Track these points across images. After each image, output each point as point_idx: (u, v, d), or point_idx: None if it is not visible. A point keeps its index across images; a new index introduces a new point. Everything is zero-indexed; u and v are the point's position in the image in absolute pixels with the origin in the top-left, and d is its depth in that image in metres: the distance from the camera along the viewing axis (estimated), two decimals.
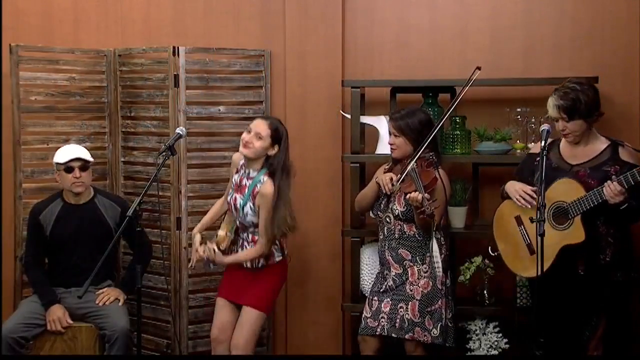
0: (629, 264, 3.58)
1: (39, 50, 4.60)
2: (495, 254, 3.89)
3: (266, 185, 3.83)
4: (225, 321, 3.99)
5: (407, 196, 3.68)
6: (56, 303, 4.07)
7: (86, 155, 4.16)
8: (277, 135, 3.85)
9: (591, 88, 3.54)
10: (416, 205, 3.63)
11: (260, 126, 3.84)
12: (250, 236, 3.94)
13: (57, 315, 4.03)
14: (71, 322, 4.06)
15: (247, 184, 3.90)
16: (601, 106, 3.58)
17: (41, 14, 4.84)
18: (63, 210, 4.18)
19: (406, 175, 3.73)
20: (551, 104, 3.54)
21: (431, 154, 3.84)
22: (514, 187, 3.67)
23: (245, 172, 3.95)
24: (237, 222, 3.97)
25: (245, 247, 3.95)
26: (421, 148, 3.77)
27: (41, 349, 4.06)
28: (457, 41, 4.57)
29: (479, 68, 3.88)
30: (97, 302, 4.10)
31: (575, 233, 3.47)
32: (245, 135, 3.85)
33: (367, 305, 3.98)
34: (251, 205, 3.88)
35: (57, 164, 4.13)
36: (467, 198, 4.35)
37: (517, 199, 3.62)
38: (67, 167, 4.11)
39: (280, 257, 3.99)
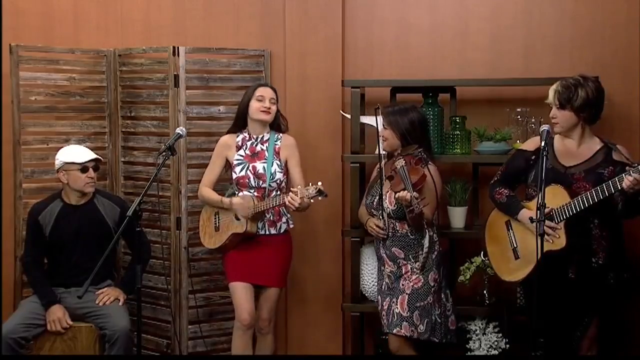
0: (621, 266, 3.58)
1: (39, 50, 4.60)
2: (486, 258, 3.91)
3: (287, 138, 4.18)
4: (253, 305, 4.08)
5: (396, 195, 3.71)
6: (56, 303, 4.07)
7: (94, 154, 4.22)
8: (277, 96, 4.20)
9: (595, 87, 3.53)
10: (405, 204, 3.66)
11: (270, 92, 4.14)
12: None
13: (57, 315, 4.03)
14: (71, 322, 4.06)
15: (265, 148, 4.10)
16: (602, 110, 3.58)
17: (41, 14, 4.83)
18: (63, 211, 4.18)
19: (395, 173, 3.76)
20: (552, 88, 3.58)
21: (419, 149, 3.85)
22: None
23: (255, 140, 4.12)
24: (257, 191, 4.03)
25: (271, 214, 4.07)
26: (381, 159, 3.93)
27: (41, 349, 4.06)
28: (457, 41, 4.57)
29: (377, 107, 4.02)
30: (97, 302, 4.09)
31: (557, 239, 3.47)
32: (259, 104, 4.08)
33: (377, 305, 4.06)
34: (278, 162, 4.08)
35: (72, 163, 4.12)
36: (467, 198, 4.35)
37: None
38: (84, 167, 4.12)
39: (292, 225, 4.18)
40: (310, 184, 3.84)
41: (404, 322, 3.83)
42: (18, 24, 4.78)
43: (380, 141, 3.97)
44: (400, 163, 3.72)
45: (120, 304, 4.12)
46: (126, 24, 4.86)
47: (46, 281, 4.15)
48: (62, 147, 4.42)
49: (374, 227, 3.96)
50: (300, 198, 3.81)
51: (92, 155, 4.19)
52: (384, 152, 3.95)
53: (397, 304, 3.86)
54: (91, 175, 4.16)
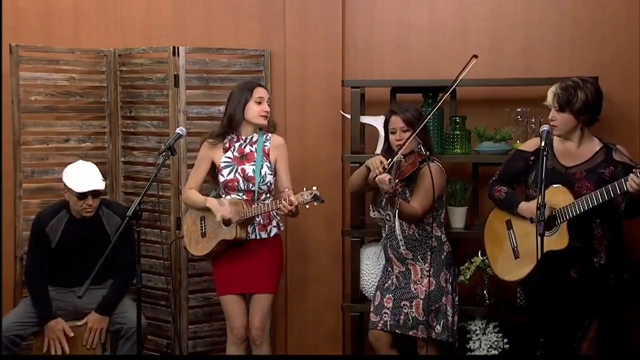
0: (622, 266, 3.58)
1: (39, 50, 4.60)
2: (485, 257, 3.90)
3: (276, 138, 4.03)
4: (245, 317, 3.98)
5: (376, 178, 3.63)
6: (53, 318, 4.03)
7: (100, 182, 4.09)
8: None
9: (594, 89, 3.52)
10: (383, 186, 3.58)
11: (266, 93, 4.01)
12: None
13: (57, 335, 4.00)
14: (72, 334, 4.04)
15: (254, 149, 3.96)
16: (601, 112, 3.57)
17: (41, 14, 4.84)
18: (69, 224, 4.12)
19: (393, 163, 3.71)
20: (551, 90, 3.56)
21: (419, 146, 3.82)
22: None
23: (243, 141, 3.98)
24: (246, 194, 3.92)
25: (261, 217, 3.95)
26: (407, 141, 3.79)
27: (41, 349, 4.06)
28: (457, 41, 4.57)
29: (475, 56, 3.77)
30: (87, 346, 4.04)
31: (559, 239, 3.47)
32: (259, 108, 3.94)
33: (372, 299, 4.05)
34: (267, 164, 3.95)
35: (70, 189, 4.02)
36: (467, 198, 4.35)
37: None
38: (82, 195, 4.02)
39: (282, 228, 4.06)
40: (305, 189, 3.71)
41: (420, 325, 3.84)
42: (18, 24, 4.78)
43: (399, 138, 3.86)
44: (399, 157, 3.69)
45: (105, 329, 4.07)
46: (126, 24, 4.86)
47: (47, 295, 4.09)
48: (62, 146, 4.44)
49: (378, 162, 3.71)
50: (296, 206, 3.70)
51: (92, 185, 4.03)
52: (401, 159, 3.78)
53: (411, 308, 3.85)
54: (89, 202, 4.04)
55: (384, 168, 3.69)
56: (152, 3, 4.85)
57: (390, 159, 3.73)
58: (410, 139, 3.80)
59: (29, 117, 4.58)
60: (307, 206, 3.72)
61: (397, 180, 3.57)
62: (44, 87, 4.60)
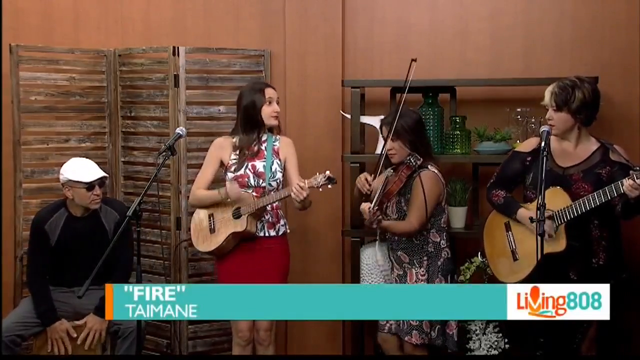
0: (620, 266, 3.58)
1: (39, 50, 4.60)
2: (484, 259, 3.90)
3: (285, 138, 4.05)
4: (251, 320, 3.96)
5: (361, 207, 3.71)
6: (56, 320, 4.03)
7: (100, 170, 4.11)
8: None
9: (591, 89, 3.51)
10: (364, 216, 3.66)
11: (275, 93, 3.99)
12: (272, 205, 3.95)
13: (60, 335, 4.00)
14: (75, 334, 4.03)
15: (263, 147, 3.97)
16: (598, 111, 3.56)
17: (41, 14, 4.84)
18: (68, 222, 4.11)
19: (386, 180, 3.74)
20: (548, 89, 3.55)
21: (409, 157, 3.81)
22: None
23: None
24: (255, 191, 3.92)
25: (270, 215, 3.95)
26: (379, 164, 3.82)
27: (41, 349, 4.05)
28: (457, 41, 4.57)
29: (414, 60, 3.88)
30: (85, 347, 4.03)
31: (557, 242, 3.47)
32: (270, 109, 3.93)
33: None
34: (277, 161, 3.96)
35: (78, 182, 4.01)
36: (467, 198, 4.35)
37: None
38: (90, 186, 4.03)
39: (289, 230, 4.05)
40: (318, 173, 3.70)
41: (414, 330, 3.83)
42: (18, 24, 4.78)
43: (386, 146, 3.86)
44: (388, 172, 3.69)
45: (104, 331, 4.06)
46: (126, 24, 4.86)
47: (49, 294, 4.08)
48: (62, 146, 4.42)
49: (363, 179, 3.84)
50: (309, 188, 3.68)
51: (98, 174, 4.07)
52: (390, 174, 3.81)
53: None
54: (97, 192, 4.05)
55: (370, 184, 3.78)
56: (152, 3, 4.85)
57: (373, 175, 3.80)
58: (400, 149, 3.82)
59: (29, 117, 4.58)
60: (321, 189, 3.70)
61: (376, 208, 3.61)
62: (44, 87, 4.60)
